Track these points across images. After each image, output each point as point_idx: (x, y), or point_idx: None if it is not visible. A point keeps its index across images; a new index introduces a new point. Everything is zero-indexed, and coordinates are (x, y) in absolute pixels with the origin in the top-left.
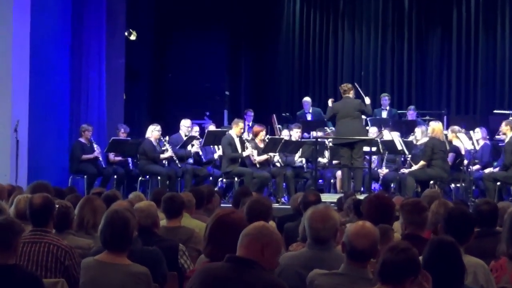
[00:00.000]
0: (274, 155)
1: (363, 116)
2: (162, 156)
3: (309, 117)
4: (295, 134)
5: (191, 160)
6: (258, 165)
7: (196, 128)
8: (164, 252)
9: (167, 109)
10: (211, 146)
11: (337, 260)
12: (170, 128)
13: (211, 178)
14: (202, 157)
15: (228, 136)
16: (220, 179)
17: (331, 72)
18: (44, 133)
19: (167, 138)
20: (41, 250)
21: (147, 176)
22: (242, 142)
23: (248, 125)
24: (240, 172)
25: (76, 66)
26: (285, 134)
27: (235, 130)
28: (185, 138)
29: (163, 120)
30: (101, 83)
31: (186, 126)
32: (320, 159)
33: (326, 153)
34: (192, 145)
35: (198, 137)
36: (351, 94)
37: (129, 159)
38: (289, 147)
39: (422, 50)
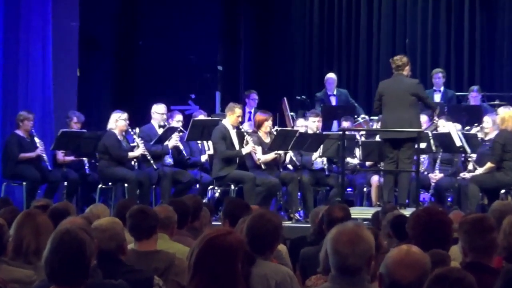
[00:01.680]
0: (285, 154)
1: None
2: (130, 154)
3: (333, 101)
4: (313, 124)
5: (170, 160)
6: (263, 167)
7: (179, 117)
8: (133, 287)
9: (137, 90)
10: (198, 142)
11: None
12: (141, 117)
13: (198, 185)
14: (186, 155)
15: (221, 128)
16: (211, 187)
17: (364, 40)
18: None
19: (137, 130)
20: None
21: (110, 183)
22: (241, 136)
23: (250, 112)
24: (238, 177)
25: (10, 31)
26: (300, 125)
27: (231, 119)
28: (159, 131)
29: (132, 105)
30: (46, 55)
31: (159, 113)
32: (348, 159)
33: (357, 152)
34: (170, 139)
35: (181, 128)
36: (406, 72)
37: (85, 160)
38: (306, 142)
39: (491, 11)
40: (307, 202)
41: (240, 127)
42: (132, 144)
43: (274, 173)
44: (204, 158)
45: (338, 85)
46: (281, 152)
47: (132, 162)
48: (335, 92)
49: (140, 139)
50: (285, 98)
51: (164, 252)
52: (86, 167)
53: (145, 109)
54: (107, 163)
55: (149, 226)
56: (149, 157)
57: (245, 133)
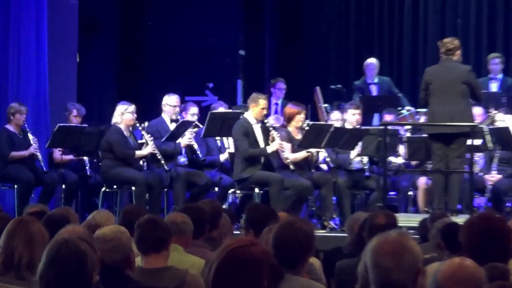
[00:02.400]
0: (317, 152)
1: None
2: (138, 153)
3: (373, 91)
4: (352, 117)
5: (184, 160)
6: (292, 168)
7: (194, 110)
8: None
9: (146, 78)
10: (217, 139)
11: None
12: (150, 109)
13: (216, 188)
14: (200, 154)
15: (243, 122)
16: (232, 190)
17: (409, 20)
18: None
19: (146, 125)
20: None
21: (115, 186)
22: (267, 131)
23: (276, 103)
24: (263, 179)
25: None
26: (335, 118)
27: (255, 111)
28: (171, 126)
29: (140, 96)
30: (40, 37)
31: (171, 105)
32: (392, 158)
33: (402, 149)
34: (183, 136)
35: (196, 123)
36: (457, 57)
37: (86, 159)
38: (342, 139)
39: None
40: (344, 208)
41: (265, 121)
42: (140, 141)
43: (305, 175)
44: (223, 157)
45: (380, 72)
46: (313, 150)
47: (141, 162)
48: (376, 80)
49: (149, 135)
50: (317, 88)
51: (175, 269)
52: (87, 167)
53: (155, 100)
54: (112, 162)
55: (159, 239)
56: (159, 156)
57: (271, 128)
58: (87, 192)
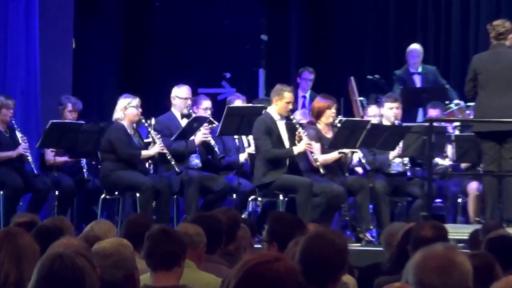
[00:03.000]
0: (352, 153)
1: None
2: (144, 154)
3: (417, 82)
4: (388, 112)
5: (197, 161)
6: (322, 171)
7: (207, 104)
8: None
9: (153, 68)
10: (235, 137)
11: None
12: (158, 103)
13: (234, 195)
14: (218, 154)
15: (265, 118)
16: (252, 197)
17: (457, 1)
18: None
19: (152, 121)
20: None
21: (116, 192)
22: (293, 129)
23: (304, 96)
24: (289, 184)
25: None
26: (372, 114)
27: (279, 106)
28: (182, 122)
29: (146, 88)
30: (30, 20)
31: (182, 98)
32: (438, 160)
33: (449, 150)
34: (196, 134)
35: (211, 119)
36: (510, 42)
37: (83, 161)
38: (381, 137)
39: None
40: (382, 218)
41: (291, 117)
42: (146, 140)
43: (338, 179)
44: (242, 158)
45: (424, 60)
46: (347, 150)
47: (147, 164)
48: (420, 70)
49: (156, 133)
50: (352, 78)
51: None
52: (85, 170)
53: (163, 93)
54: (113, 165)
55: (171, 253)
56: (169, 157)
57: (297, 125)
58: (85, 199)
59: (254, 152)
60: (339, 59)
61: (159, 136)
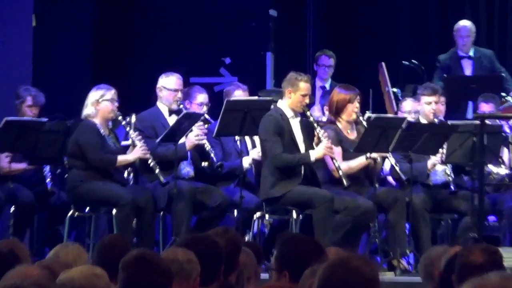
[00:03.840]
0: (383, 159)
1: None
2: (121, 159)
3: (467, 68)
4: (425, 107)
5: (188, 169)
6: (345, 182)
7: (202, 97)
8: None
9: (133, 52)
10: (236, 139)
11: None
12: (139, 97)
13: (236, 212)
14: (215, 161)
15: (275, 115)
16: (258, 214)
17: None
18: None
19: (133, 118)
20: None
21: (88, 208)
22: (309, 129)
23: (322, 87)
24: (304, 197)
25: None
26: (408, 109)
27: (293, 99)
28: (170, 119)
29: (124, 77)
30: None
31: (171, 90)
32: (491, 167)
33: (506, 155)
34: (188, 134)
35: (206, 116)
36: None
37: (46, 168)
38: (418, 139)
39: None
40: (421, 240)
41: (308, 113)
42: (124, 143)
43: (365, 191)
44: (246, 164)
45: (476, 41)
46: (376, 155)
47: (125, 173)
48: (471, 53)
49: (137, 133)
50: (383, 64)
51: None
52: (48, 180)
53: (146, 83)
54: (83, 174)
55: (154, 285)
56: (152, 164)
57: (315, 124)
58: (48, 217)
59: (260, 158)
60: (366, 40)
61: (140, 137)
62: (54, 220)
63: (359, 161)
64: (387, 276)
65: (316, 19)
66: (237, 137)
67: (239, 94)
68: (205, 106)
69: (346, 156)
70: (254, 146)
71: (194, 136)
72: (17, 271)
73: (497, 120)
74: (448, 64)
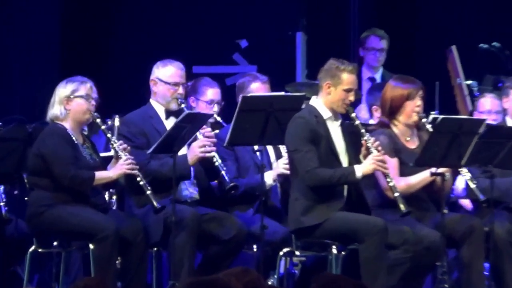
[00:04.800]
0: (453, 174)
1: None
2: (101, 176)
3: None
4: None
5: (191, 191)
6: (403, 207)
7: (212, 92)
8: None
9: (116, 36)
10: (255, 148)
11: None
12: (125, 93)
13: (255, 247)
14: (227, 180)
15: (308, 117)
16: (286, 249)
17: None
18: None
19: (116, 121)
20: None
21: (55, 242)
22: (352, 134)
23: (372, 79)
24: (349, 227)
25: None
26: (488, 108)
27: (333, 96)
28: (168, 123)
29: (104, 69)
30: None
31: (168, 83)
32: None
33: None
34: (191, 142)
35: (216, 117)
36: None
37: None
38: (502, 148)
39: None
40: (505, 284)
41: (353, 114)
42: (104, 154)
43: (430, 218)
44: (269, 180)
45: None
46: (445, 170)
47: (106, 195)
48: None
49: (122, 141)
50: (453, 48)
51: None
52: (1, 204)
53: (134, 74)
54: (48, 196)
55: None
56: (142, 183)
57: (362, 129)
58: (1, 254)
59: (288, 172)
60: (429, 16)
61: (126, 147)
62: (10, 257)
63: (422, 178)
64: None
65: None
66: (256, 147)
67: (257, 87)
68: (216, 105)
69: (405, 172)
70: (279, 156)
71: (199, 146)
72: None
73: None
74: None
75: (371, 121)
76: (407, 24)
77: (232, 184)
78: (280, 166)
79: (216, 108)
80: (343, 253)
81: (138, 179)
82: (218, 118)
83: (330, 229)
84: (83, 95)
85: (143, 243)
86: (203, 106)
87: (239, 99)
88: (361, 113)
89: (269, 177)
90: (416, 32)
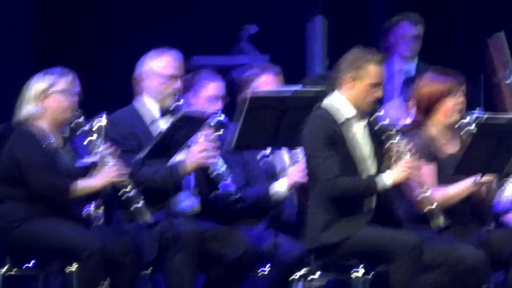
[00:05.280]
0: (499, 182)
1: None
2: (83, 186)
3: None
4: None
5: (189, 202)
6: (440, 221)
7: (214, 87)
8: None
9: (103, 18)
10: (266, 152)
11: None
12: (111, 86)
13: (267, 268)
14: (233, 191)
15: (326, 116)
16: (302, 271)
17: None
18: None
19: (103, 120)
20: None
21: (32, 261)
22: (380, 136)
23: (403, 71)
24: (377, 245)
25: None
26: None
27: (357, 91)
28: (162, 123)
29: (89, 56)
30: None
31: (163, 75)
32: None
33: None
34: (190, 146)
35: (219, 118)
36: None
37: None
38: None
39: None
40: None
41: (378, 113)
42: (86, 160)
43: (473, 235)
44: (282, 188)
45: None
46: (490, 178)
47: (91, 208)
48: None
49: (108, 144)
50: (500, 35)
51: None
52: None
53: (122, 66)
54: (22, 208)
55: None
56: (132, 194)
57: (391, 131)
58: None
59: (304, 180)
60: None
61: (114, 150)
62: None
63: (463, 188)
64: None
65: None
66: (267, 151)
67: (268, 80)
68: (219, 102)
69: (443, 180)
70: (294, 161)
71: (200, 150)
72: None
73: None
74: None
75: (406, 120)
76: (445, 6)
77: (237, 195)
78: (295, 172)
79: (219, 105)
80: (370, 275)
81: (128, 188)
82: (222, 117)
83: (355, 247)
84: (63, 89)
85: (134, 264)
86: (204, 103)
87: (244, 95)
88: (391, 112)
89: (282, 186)
90: (455, 16)
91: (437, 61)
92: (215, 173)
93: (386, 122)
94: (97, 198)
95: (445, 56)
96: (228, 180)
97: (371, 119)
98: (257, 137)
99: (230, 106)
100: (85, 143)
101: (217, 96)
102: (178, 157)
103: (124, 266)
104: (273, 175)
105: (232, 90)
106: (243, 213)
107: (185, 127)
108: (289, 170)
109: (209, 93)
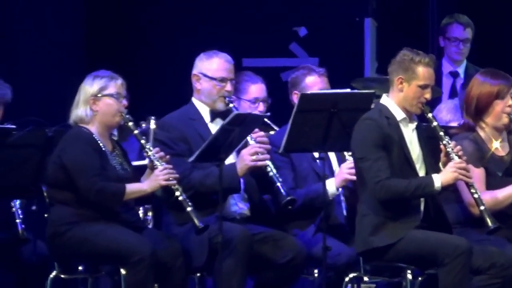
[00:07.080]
0: None
1: None
2: (132, 189)
3: None
4: None
5: (241, 206)
6: (490, 224)
7: (256, 89)
8: None
9: (152, 22)
10: (315, 155)
11: None
12: (160, 90)
13: (317, 271)
14: (284, 193)
15: (377, 118)
16: (353, 275)
17: None
18: None
19: (152, 123)
20: None
21: (81, 267)
22: (430, 139)
23: (454, 73)
24: (426, 248)
25: None
26: None
27: (407, 93)
28: (213, 126)
29: (138, 60)
30: None
31: (214, 79)
32: None
33: None
34: (241, 149)
35: (267, 121)
36: None
37: (14, 204)
38: None
39: None
40: None
41: (430, 115)
42: (136, 163)
43: None
44: (331, 189)
45: None
46: None
47: (140, 211)
48: None
49: (156, 149)
50: None
51: None
52: (18, 221)
53: (171, 69)
54: (72, 213)
55: None
56: (182, 198)
57: (441, 132)
58: (17, 279)
59: (353, 178)
60: None
61: (163, 155)
62: (27, 284)
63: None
64: None
65: None
66: (316, 154)
67: (313, 82)
68: (261, 104)
69: (492, 183)
70: (342, 161)
71: (251, 153)
72: None
73: None
74: None
75: (455, 123)
76: (497, 8)
77: (289, 198)
78: (344, 171)
79: (261, 107)
80: (419, 278)
81: (178, 193)
82: (267, 121)
83: (405, 250)
84: (112, 93)
85: (184, 268)
86: (246, 106)
87: (293, 96)
88: (441, 114)
89: (331, 185)
90: (506, 17)
91: (486, 63)
92: (271, 174)
93: (435, 124)
94: (147, 202)
95: (495, 58)
96: (279, 183)
97: (431, 122)
98: (306, 140)
99: (281, 108)
100: (134, 147)
101: (258, 99)
102: (228, 160)
103: (173, 270)
104: (324, 176)
105: (283, 92)
106: (293, 216)
107: (238, 129)
108: (339, 171)
109: (251, 96)
